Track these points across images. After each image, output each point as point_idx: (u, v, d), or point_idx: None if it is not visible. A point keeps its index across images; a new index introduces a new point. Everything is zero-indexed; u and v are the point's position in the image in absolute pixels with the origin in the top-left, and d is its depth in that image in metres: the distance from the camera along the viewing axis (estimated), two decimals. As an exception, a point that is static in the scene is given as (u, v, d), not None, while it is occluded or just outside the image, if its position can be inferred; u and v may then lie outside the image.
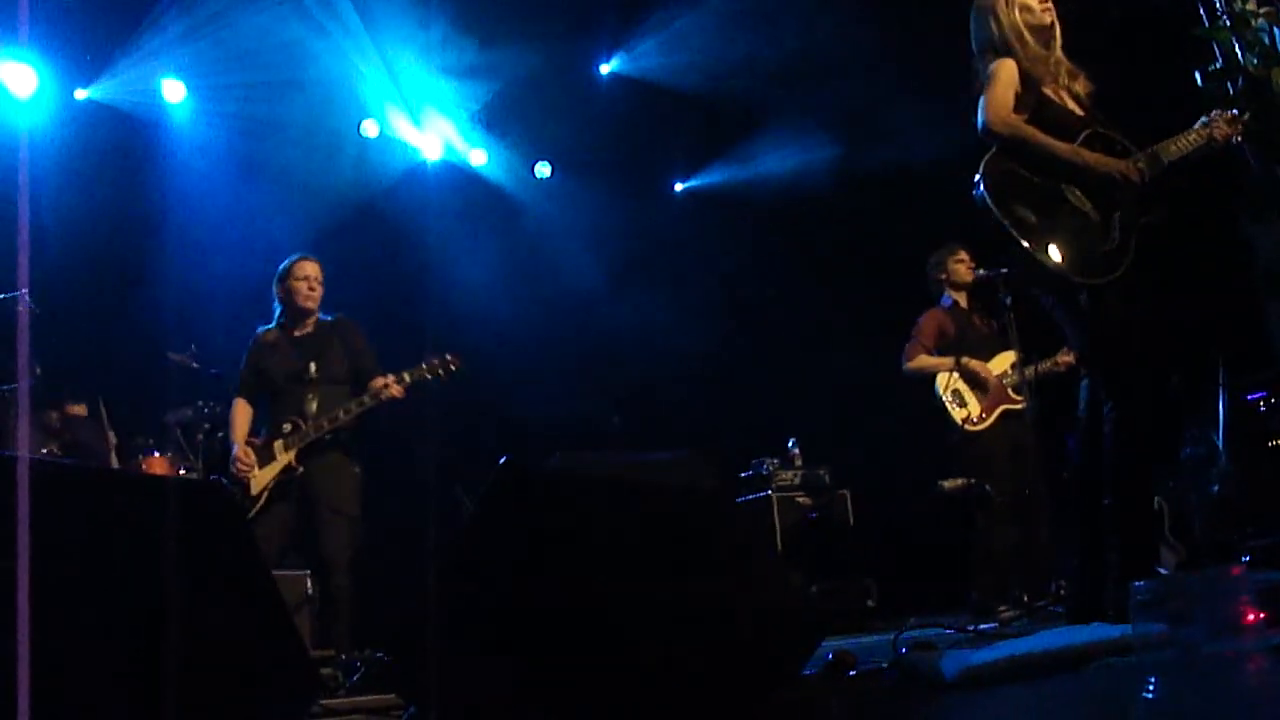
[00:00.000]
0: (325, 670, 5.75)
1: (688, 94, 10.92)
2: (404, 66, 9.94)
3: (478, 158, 10.78)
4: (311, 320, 6.74)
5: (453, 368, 6.56)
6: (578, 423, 9.71)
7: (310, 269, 6.72)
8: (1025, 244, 4.29)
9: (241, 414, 6.66)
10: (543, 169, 11.02)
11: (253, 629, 3.08)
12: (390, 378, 6.50)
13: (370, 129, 10.08)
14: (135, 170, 9.04)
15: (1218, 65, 4.30)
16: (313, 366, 6.53)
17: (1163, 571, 6.46)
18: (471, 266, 10.02)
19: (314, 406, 6.47)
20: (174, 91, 9.16)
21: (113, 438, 7.63)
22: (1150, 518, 4.51)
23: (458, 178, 10.66)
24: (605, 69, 11.20)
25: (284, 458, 6.42)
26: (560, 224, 10.82)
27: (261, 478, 6.41)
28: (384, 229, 9.82)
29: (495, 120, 10.64)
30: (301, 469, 6.42)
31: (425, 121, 10.40)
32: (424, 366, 6.55)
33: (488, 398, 8.73)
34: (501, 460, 3.20)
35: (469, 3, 9.44)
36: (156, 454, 7.51)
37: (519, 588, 3.10)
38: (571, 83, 10.87)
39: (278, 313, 6.76)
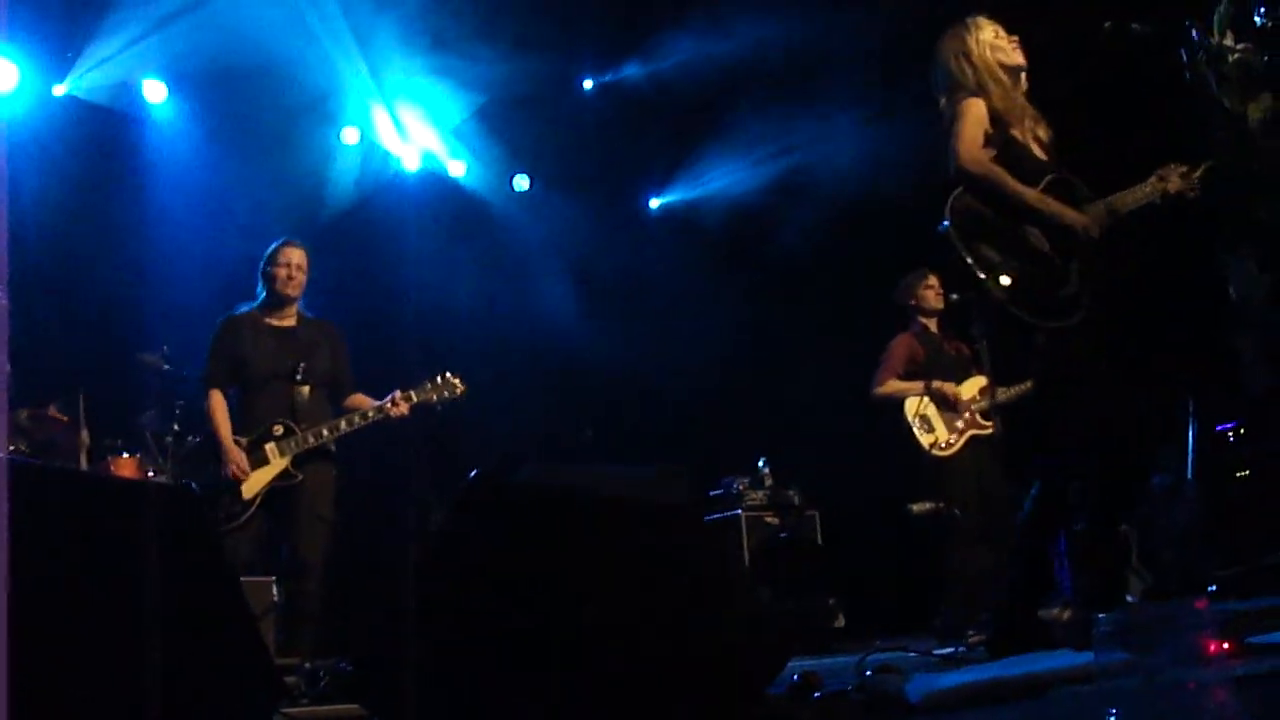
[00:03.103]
0: (289, 679, 5.71)
1: (667, 110, 10.96)
2: (387, 76, 9.93)
3: (457, 169, 10.76)
4: (292, 311, 6.58)
5: (458, 391, 6.54)
6: (550, 436, 9.71)
7: (294, 255, 6.54)
8: (987, 284, 4.34)
9: (222, 407, 6.36)
10: (521, 182, 10.99)
11: (218, 636, 3.07)
12: (398, 395, 6.42)
13: (351, 136, 10.07)
14: (113, 169, 8.99)
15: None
16: (303, 365, 6.38)
17: (1130, 599, 6.50)
18: (447, 277, 9.99)
19: (302, 408, 6.33)
20: (155, 92, 9.11)
21: (86, 437, 7.53)
22: (1116, 547, 4.56)
23: (436, 188, 10.63)
24: (588, 84, 11.23)
25: (279, 462, 6.24)
26: (537, 237, 10.81)
27: (255, 482, 6.20)
28: (361, 237, 9.79)
29: (476, 132, 10.63)
30: (300, 477, 6.26)
31: (405, 131, 10.38)
32: (429, 387, 6.51)
33: (460, 409, 8.72)
34: (473, 472, 3.20)
35: (453, 14, 9.43)
36: (125, 455, 7.42)
37: (488, 600, 3.10)
38: (553, 96, 10.88)
39: (261, 296, 6.59)
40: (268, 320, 6.54)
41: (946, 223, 4.44)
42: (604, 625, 3.10)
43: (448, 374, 6.59)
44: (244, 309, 6.58)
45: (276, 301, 6.54)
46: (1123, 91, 6.60)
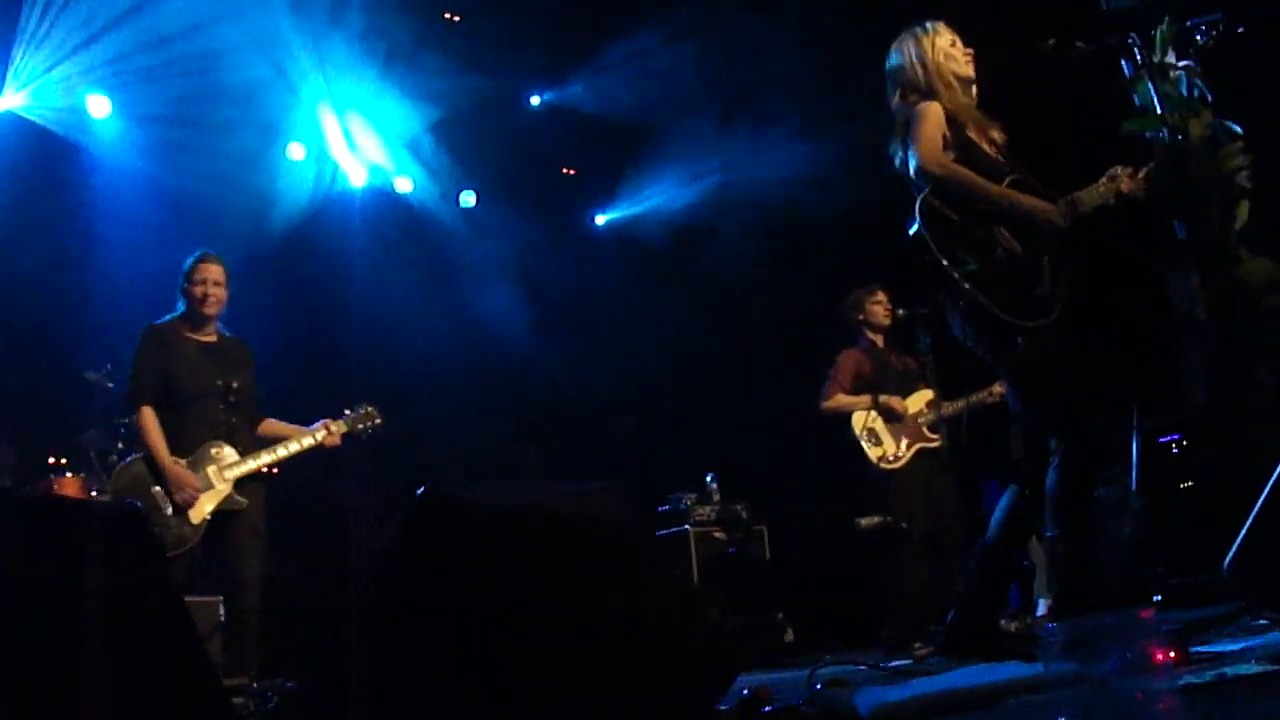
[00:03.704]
0: (237, 699, 5.65)
1: (612, 127, 10.97)
2: (334, 90, 9.89)
3: (403, 185, 10.71)
4: (213, 327, 6.42)
5: (377, 422, 6.52)
6: (495, 454, 9.69)
7: (210, 270, 6.34)
8: (967, 287, 4.35)
9: (155, 424, 6.09)
10: (467, 198, 10.95)
11: (164, 657, 3.03)
12: (330, 424, 6.40)
13: (296, 152, 10.00)
14: (55, 184, 8.88)
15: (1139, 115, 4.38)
16: (236, 385, 6.23)
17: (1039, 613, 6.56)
18: (392, 293, 9.95)
19: (233, 429, 6.21)
20: (99, 107, 8.99)
21: (13, 455, 7.42)
22: (1085, 550, 4.59)
23: (382, 204, 10.58)
24: (535, 100, 11.24)
25: (223, 487, 6.08)
26: (483, 254, 10.77)
27: (202, 506, 6.02)
28: (307, 253, 9.73)
29: (422, 148, 10.60)
30: (245, 501, 6.13)
31: (353, 146, 10.32)
32: (352, 417, 6.49)
33: (405, 427, 8.67)
34: (419, 490, 3.19)
35: (401, 29, 9.42)
36: (69, 475, 7.32)
37: (435, 618, 3.08)
38: (501, 112, 10.87)
39: (180, 309, 6.39)
40: (191, 335, 6.35)
41: (917, 225, 4.45)
42: (552, 642, 3.08)
43: (366, 406, 6.57)
44: (166, 319, 6.38)
45: (197, 316, 6.35)
46: (1066, 108, 6.67)
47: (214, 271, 6.36)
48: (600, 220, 12.04)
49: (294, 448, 6.31)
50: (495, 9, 10.10)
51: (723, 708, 3.84)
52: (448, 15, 10.19)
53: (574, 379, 10.45)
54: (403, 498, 3.32)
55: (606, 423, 10.52)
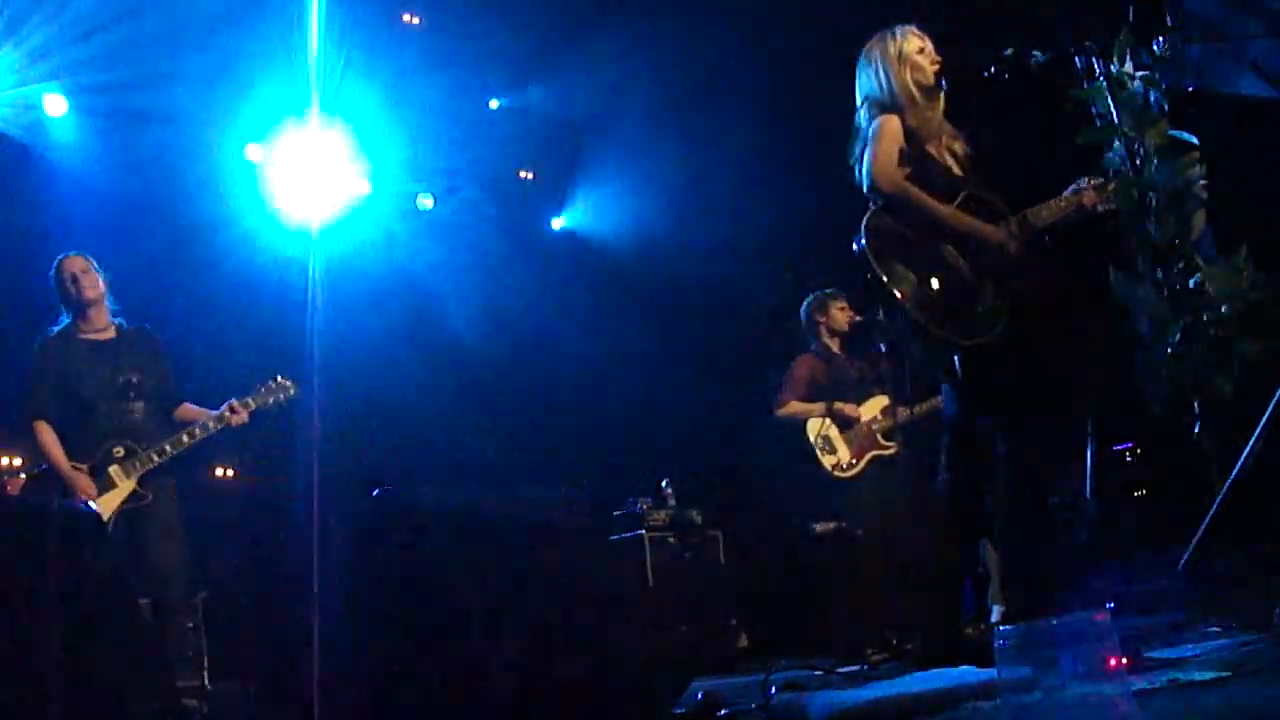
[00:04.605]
0: (189, 701, 5.60)
1: (571, 130, 10.97)
2: (292, 90, 9.82)
3: (361, 187, 10.63)
4: (104, 321, 6.33)
5: (291, 393, 6.37)
6: (452, 456, 9.64)
7: (70, 265, 6.25)
8: (905, 304, 4.36)
9: (50, 436, 6.06)
10: (425, 201, 10.89)
11: (116, 658, 3.00)
12: (235, 403, 6.25)
13: (256, 154, 9.91)
14: (6, 184, 8.77)
15: (1096, 125, 4.41)
16: (135, 379, 6.18)
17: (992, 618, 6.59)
18: (347, 294, 9.90)
19: (138, 426, 6.13)
20: (55, 106, 8.88)
21: None
22: (1041, 557, 4.61)
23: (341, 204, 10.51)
24: (494, 103, 11.19)
25: (126, 485, 6.00)
26: (439, 256, 10.73)
27: (105, 507, 5.94)
28: (261, 254, 9.66)
29: (380, 149, 10.54)
30: (150, 496, 6.04)
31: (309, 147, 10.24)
32: (263, 391, 6.34)
33: (360, 429, 8.62)
34: (374, 492, 3.17)
35: (361, 32, 9.37)
36: (21, 476, 7.25)
37: (389, 620, 3.06)
38: (459, 114, 10.83)
39: (65, 319, 6.31)
40: (83, 335, 6.29)
41: (862, 241, 4.46)
42: (506, 646, 3.07)
43: (279, 377, 6.41)
44: (55, 330, 6.32)
45: (80, 313, 6.28)
46: (1024, 117, 6.70)
47: (74, 264, 6.28)
48: (557, 224, 12.00)
49: (198, 433, 6.17)
50: (455, 12, 10.06)
51: (677, 712, 3.84)
52: (407, 17, 10.14)
53: (530, 382, 10.42)
54: (358, 502, 3.29)
55: (563, 426, 10.49)
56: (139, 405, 6.18)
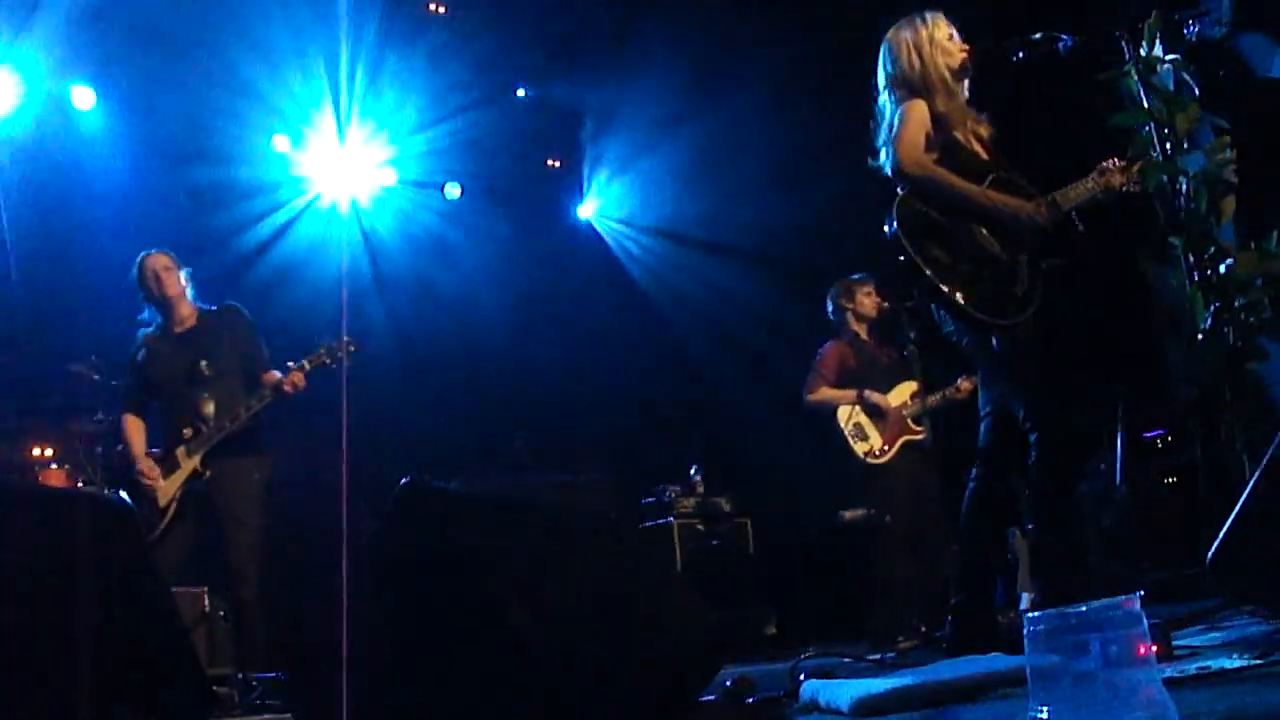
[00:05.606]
0: (220, 689, 5.64)
1: (600, 121, 10.97)
2: (320, 81, 9.84)
3: (388, 176, 10.65)
4: (189, 312, 6.51)
5: (351, 349, 6.37)
6: (481, 446, 9.67)
7: (152, 264, 6.46)
8: (942, 286, 4.35)
9: (133, 426, 6.41)
10: (453, 190, 10.90)
11: (149, 647, 3.02)
12: (291, 366, 6.31)
13: (281, 144, 9.94)
14: (40, 176, 8.81)
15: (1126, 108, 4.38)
16: (204, 363, 6.29)
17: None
18: (376, 284, 9.94)
19: (211, 406, 6.24)
20: (83, 99, 8.93)
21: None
22: (1072, 544, 4.60)
23: (367, 195, 10.54)
24: (521, 92, 11.19)
25: (188, 464, 6.18)
26: (469, 245, 10.75)
27: (167, 488, 6.16)
28: (292, 245, 9.71)
29: (408, 139, 10.56)
30: (208, 473, 6.18)
31: (341, 138, 10.26)
32: (322, 351, 6.36)
33: (393, 417, 8.65)
34: (403, 480, 3.18)
35: (388, 20, 9.39)
36: (54, 466, 7.34)
37: (419, 607, 3.07)
38: (487, 104, 10.83)
39: (152, 316, 6.53)
40: (170, 329, 6.50)
41: (894, 225, 4.44)
42: (536, 632, 3.08)
43: (342, 338, 6.43)
44: (150, 328, 6.55)
45: (166, 310, 6.49)
46: (1053, 101, 6.66)
47: (156, 262, 6.48)
48: (584, 212, 11.99)
49: (254, 404, 6.27)
50: (480, 1, 10.07)
51: (706, 698, 3.85)
52: (433, 6, 10.15)
53: (560, 371, 10.44)
54: (388, 490, 3.31)
55: (592, 414, 10.51)
56: (210, 387, 6.30)
